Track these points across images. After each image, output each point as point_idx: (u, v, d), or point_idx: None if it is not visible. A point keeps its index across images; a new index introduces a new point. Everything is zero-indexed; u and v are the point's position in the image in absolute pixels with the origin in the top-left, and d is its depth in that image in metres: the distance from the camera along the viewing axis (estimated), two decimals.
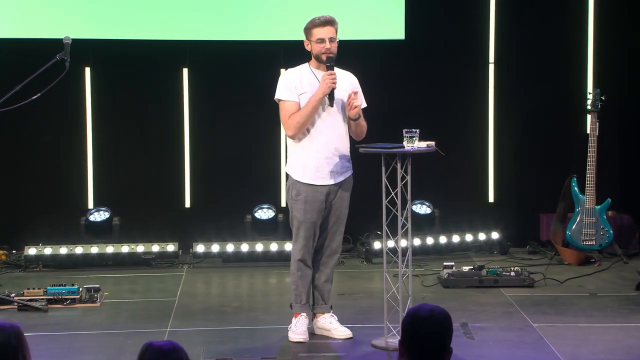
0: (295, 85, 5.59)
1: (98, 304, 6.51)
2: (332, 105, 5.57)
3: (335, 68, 5.63)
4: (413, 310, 3.04)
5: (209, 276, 7.55)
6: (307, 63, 5.67)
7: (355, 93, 5.58)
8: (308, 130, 5.58)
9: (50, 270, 7.62)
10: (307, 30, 5.60)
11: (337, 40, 5.60)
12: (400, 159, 5.47)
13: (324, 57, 5.56)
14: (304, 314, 5.67)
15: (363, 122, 5.66)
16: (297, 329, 5.63)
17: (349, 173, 5.70)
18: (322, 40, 5.54)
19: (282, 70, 5.82)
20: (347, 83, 5.67)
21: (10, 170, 8.25)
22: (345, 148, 5.66)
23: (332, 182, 5.62)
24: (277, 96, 5.63)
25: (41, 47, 7.23)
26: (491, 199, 8.57)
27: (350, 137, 5.72)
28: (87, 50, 8.03)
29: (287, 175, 5.73)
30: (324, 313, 5.75)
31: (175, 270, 7.68)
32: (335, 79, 5.52)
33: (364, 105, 5.72)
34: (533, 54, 8.44)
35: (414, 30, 8.17)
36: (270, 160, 8.29)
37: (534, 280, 6.97)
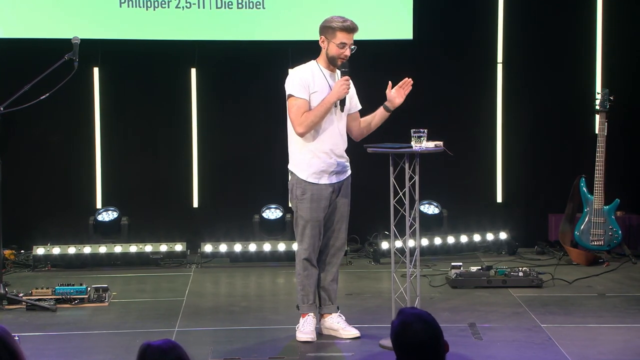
0: (308, 84, 5.59)
1: (106, 304, 6.52)
2: (342, 111, 5.62)
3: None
4: (400, 337, 3.01)
5: (217, 276, 7.56)
6: (314, 61, 5.66)
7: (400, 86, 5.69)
8: (315, 130, 5.60)
9: (58, 270, 7.64)
10: (330, 29, 5.56)
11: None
12: (408, 159, 5.47)
13: (339, 62, 5.57)
14: (312, 314, 5.68)
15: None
16: (305, 329, 5.63)
17: (349, 172, 5.74)
18: (343, 45, 5.54)
19: (290, 70, 5.83)
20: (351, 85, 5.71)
21: (19, 170, 8.25)
22: (345, 148, 5.72)
23: (335, 181, 5.64)
24: (289, 92, 5.60)
25: (50, 47, 7.24)
26: (499, 199, 8.56)
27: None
28: (96, 50, 8.05)
29: (290, 174, 5.74)
30: (331, 313, 5.75)
31: (183, 270, 7.68)
32: (349, 85, 5.56)
33: (359, 107, 5.78)
34: (541, 53, 8.43)
35: (422, 30, 8.16)
36: (278, 160, 8.27)
37: (543, 281, 6.96)
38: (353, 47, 5.57)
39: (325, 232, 5.70)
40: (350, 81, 5.68)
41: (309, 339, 5.60)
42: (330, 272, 5.74)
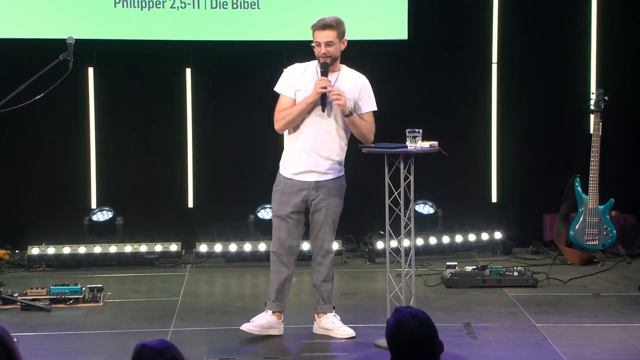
0: (294, 81, 5.62)
1: (101, 304, 6.51)
2: (323, 111, 5.58)
3: (345, 68, 5.67)
4: (395, 335, 3.01)
5: (212, 276, 7.56)
6: (315, 60, 5.67)
7: (330, 90, 5.54)
8: (298, 127, 5.62)
9: (53, 270, 7.63)
10: (312, 31, 5.61)
11: (342, 42, 5.57)
12: (403, 159, 5.47)
13: (321, 61, 5.57)
14: (270, 311, 5.68)
15: (359, 122, 5.61)
16: (254, 321, 5.65)
17: (337, 174, 5.67)
18: (318, 44, 5.56)
19: (285, 70, 5.84)
20: (352, 84, 5.65)
21: (14, 170, 8.25)
22: (333, 149, 5.63)
23: (311, 180, 5.62)
24: (275, 88, 5.69)
25: (44, 47, 7.23)
26: (494, 199, 8.56)
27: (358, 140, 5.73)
28: (90, 50, 8.04)
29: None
30: (326, 313, 5.74)
31: (178, 270, 7.68)
32: (326, 84, 5.51)
33: (372, 109, 5.69)
34: (536, 54, 8.43)
35: (417, 30, 8.16)
36: (273, 160, 8.25)
37: (537, 280, 6.97)
38: (329, 41, 5.50)
39: (312, 232, 5.71)
40: (361, 82, 5.63)
41: (248, 329, 5.60)
42: (321, 272, 5.73)
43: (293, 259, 5.72)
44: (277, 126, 5.67)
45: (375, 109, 5.71)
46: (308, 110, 5.58)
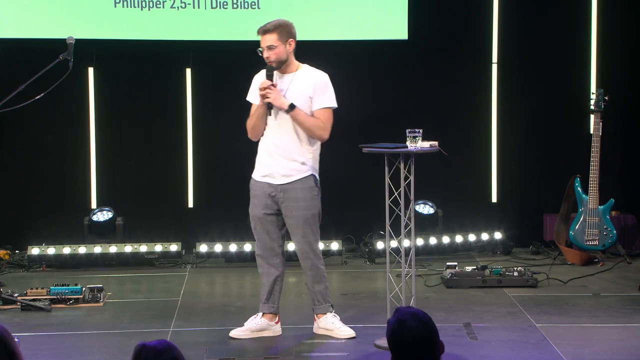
0: (256, 87, 5.69)
1: (101, 304, 6.51)
2: (270, 114, 5.62)
3: (305, 67, 5.68)
4: (395, 334, 3.01)
5: (212, 276, 7.56)
6: None
7: (271, 86, 5.56)
8: (263, 130, 5.66)
9: (53, 270, 7.63)
10: None
11: (288, 43, 5.56)
12: (403, 159, 5.47)
13: (267, 65, 5.60)
14: (260, 313, 5.71)
15: (301, 118, 5.55)
16: (244, 325, 5.69)
17: (302, 175, 5.62)
18: (262, 49, 5.59)
19: None
20: (308, 82, 5.61)
21: (14, 170, 8.25)
22: (293, 150, 5.61)
23: (275, 182, 5.64)
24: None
25: (44, 47, 7.23)
26: (494, 199, 8.57)
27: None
28: (91, 50, 8.04)
29: None
30: (325, 313, 5.74)
31: (178, 270, 7.68)
32: (266, 88, 5.54)
33: (325, 105, 5.60)
34: (536, 54, 8.43)
35: (417, 30, 8.16)
36: None
37: (537, 281, 6.97)
38: (259, 49, 5.58)
39: (291, 237, 5.73)
40: (318, 80, 5.60)
41: (237, 335, 5.64)
42: (307, 275, 5.73)
43: (279, 259, 5.73)
44: (248, 135, 5.74)
45: (330, 105, 5.62)
46: (263, 115, 5.61)
